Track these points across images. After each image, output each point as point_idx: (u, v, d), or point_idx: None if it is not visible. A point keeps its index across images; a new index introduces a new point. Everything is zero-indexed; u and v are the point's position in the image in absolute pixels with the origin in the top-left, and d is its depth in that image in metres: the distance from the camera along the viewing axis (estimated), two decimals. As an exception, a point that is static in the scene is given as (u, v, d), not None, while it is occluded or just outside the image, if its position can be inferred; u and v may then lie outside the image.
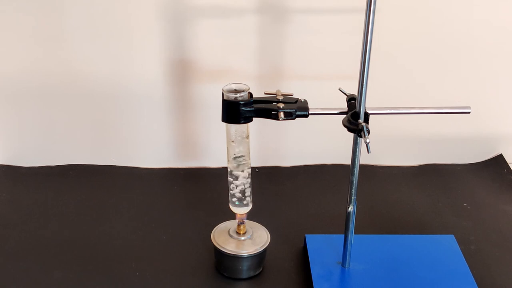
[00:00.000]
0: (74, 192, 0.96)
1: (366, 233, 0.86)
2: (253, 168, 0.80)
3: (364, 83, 0.65)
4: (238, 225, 0.79)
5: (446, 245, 0.82)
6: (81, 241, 0.85)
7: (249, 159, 0.75)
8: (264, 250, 0.78)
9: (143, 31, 0.93)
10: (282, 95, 0.70)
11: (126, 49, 0.94)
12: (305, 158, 1.05)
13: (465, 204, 0.95)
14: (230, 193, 0.76)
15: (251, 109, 0.69)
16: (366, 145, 0.63)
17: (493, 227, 0.89)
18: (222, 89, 0.69)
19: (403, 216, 0.92)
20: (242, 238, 0.78)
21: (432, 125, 1.03)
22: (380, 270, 0.77)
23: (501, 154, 1.07)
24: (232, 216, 0.79)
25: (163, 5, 0.91)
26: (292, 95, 0.70)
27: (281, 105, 0.68)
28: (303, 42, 0.94)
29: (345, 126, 0.67)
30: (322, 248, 0.81)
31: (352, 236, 0.75)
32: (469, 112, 0.70)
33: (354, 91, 0.69)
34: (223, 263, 0.78)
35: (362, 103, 0.66)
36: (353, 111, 0.67)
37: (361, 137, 0.65)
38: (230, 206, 0.78)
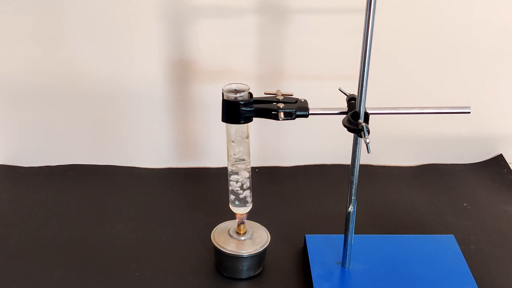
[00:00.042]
0: (74, 192, 0.96)
1: (366, 233, 0.86)
2: (253, 168, 0.80)
3: (364, 83, 0.65)
4: (238, 225, 0.79)
5: (446, 245, 0.82)
6: (81, 241, 0.85)
7: (249, 159, 0.75)
8: (264, 250, 0.78)
9: (143, 31, 0.93)
10: (282, 95, 0.70)
11: (126, 49, 0.94)
12: (305, 158, 1.05)
13: (465, 204, 0.95)
14: (230, 193, 0.76)
15: (251, 109, 0.69)
16: (366, 145, 0.63)
17: (493, 227, 0.89)
18: (222, 89, 0.69)
19: (403, 216, 0.92)
20: (242, 238, 0.78)
21: (432, 125, 1.03)
22: (380, 270, 0.77)
23: (501, 154, 1.07)
24: (232, 216, 0.79)
25: (163, 5, 0.91)
26: (292, 95, 0.70)
27: (281, 105, 0.68)
28: (303, 42, 0.94)
29: (345, 126, 0.67)
30: (322, 248, 0.81)
31: (352, 236, 0.75)
32: (469, 112, 0.70)
33: (354, 91, 0.69)
34: (223, 263, 0.78)
35: (362, 103, 0.66)
36: (353, 111, 0.67)
37: (361, 137, 0.65)
38: (230, 206, 0.78)
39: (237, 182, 0.75)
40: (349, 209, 0.74)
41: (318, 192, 0.98)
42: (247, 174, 0.75)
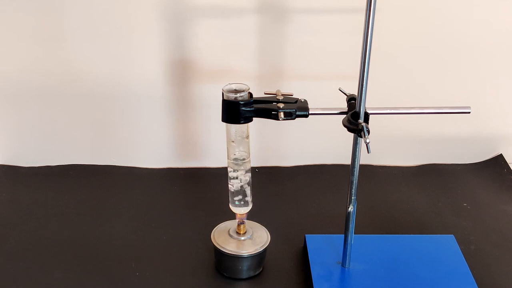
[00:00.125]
0: (74, 192, 0.96)
1: (366, 233, 0.86)
2: (253, 168, 0.80)
3: (364, 83, 0.65)
4: (238, 225, 0.79)
5: (446, 245, 0.82)
6: (81, 241, 0.85)
7: (249, 159, 0.75)
8: (264, 250, 0.78)
9: (143, 31, 0.93)
10: (282, 95, 0.70)
11: (126, 49, 0.94)
12: (305, 158, 1.05)
13: (465, 204, 0.95)
14: (230, 193, 0.76)
15: (251, 109, 0.68)
16: (366, 145, 0.63)
17: (493, 227, 0.89)
18: (222, 89, 0.69)
19: (403, 216, 0.92)
20: (242, 238, 0.78)
21: (432, 125, 1.03)
22: (380, 270, 0.77)
23: (501, 154, 1.07)
24: (232, 216, 0.79)
25: (163, 5, 0.91)
26: (292, 95, 0.70)
27: (281, 105, 0.68)
28: (303, 42, 0.94)
29: (345, 126, 0.67)
30: (322, 248, 0.81)
31: (352, 236, 0.75)
32: (469, 112, 0.70)
33: (354, 91, 0.69)
34: (223, 263, 0.78)
35: (362, 103, 0.66)
36: (353, 111, 0.67)
37: (361, 137, 0.65)
38: (230, 206, 0.78)
39: (237, 182, 0.75)
40: (349, 209, 0.74)
41: (318, 192, 0.98)
42: (247, 174, 0.75)
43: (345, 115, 0.68)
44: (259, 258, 0.78)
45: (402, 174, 1.04)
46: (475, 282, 0.75)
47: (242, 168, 0.74)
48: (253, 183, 0.77)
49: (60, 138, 1.01)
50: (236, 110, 0.68)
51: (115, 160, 1.03)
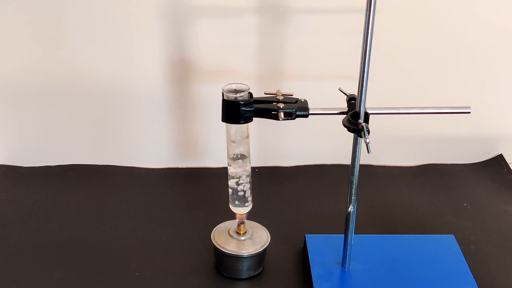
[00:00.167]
0: (74, 192, 0.96)
1: (366, 233, 0.86)
2: (253, 168, 0.80)
3: (364, 83, 0.65)
4: (238, 225, 0.79)
5: (446, 245, 0.82)
6: (81, 241, 0.85)
7: (249, 159, 0.75)
8: (264, 250, 0.78)
9: (143, 31, 0.93)
10: (282, 95, 0.70)
11: (126, 49, 0.94)
12: (305, 158, 1.05)
13: (465, 204, 0.95)
14: (230, 193, 0.76)
15: (251, 109, 0.69)
16: (366, 145, 0.63)
17: (493, 227, 0.89)
18: (222, 89, 0.69)
19: (403, 216, 0.92)
20: (242, 238, 0.78)
21: (432, 125, 1.03)
22: (380, 270, 0.77)
23: (501, 154, 1.07)
24: (232, 216, 0.79)
25: (163, 5, 0.91)
26: (292, 95, 0.70)
27: (281, 105, 0.68)
28: (303, 42, 0.94)
29: (345, 126, 0.67)
30: (322, 248, 0.81)
31: (352, 236, 0.75)
32: (469, 112, 0.70)
33: (354, 91, 0.69)
34: (223, 263, 0.78)
35: (362, 103, 0.66)
36: (353, 111, 0.67)
37: (361, 137, 0.65)
38: (230, 206, 0.78)
39: (237, 182, 0.75)
40: (349, 209, 0.74)
41: (318, 192, 0.98)
42: (247, 174, 0.75)
43: (345, 115, 0.68)
44: (259, 258, 0.78)
45: (402, 174, 1.04)
46: (475, 282, 0.75)
47: (242, 168, 0.74)
48: (253, 183, 0.77)
49: (60, 138, 1.01)
50: (236, 110, 0.68)
51: (115, 160, 1.03)
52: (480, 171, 1.04)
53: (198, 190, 0.97)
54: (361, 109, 0.66)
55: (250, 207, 0.78)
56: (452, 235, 0.84)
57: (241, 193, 0.76)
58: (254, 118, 0.69)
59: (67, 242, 0.84)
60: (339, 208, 0.91)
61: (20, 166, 1.02)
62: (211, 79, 0.97)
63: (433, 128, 1.03)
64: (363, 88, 0.65)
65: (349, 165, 0.72)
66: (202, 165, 1.04)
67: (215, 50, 0.94)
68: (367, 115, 0.67)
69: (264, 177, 1.01)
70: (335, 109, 0.70)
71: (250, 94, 0.69)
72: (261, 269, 0.80)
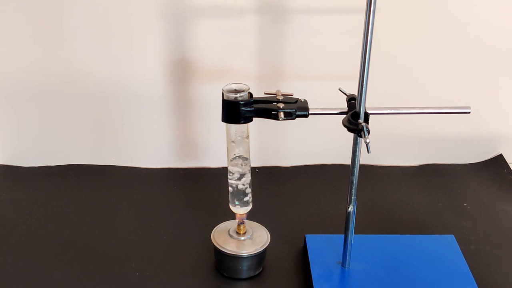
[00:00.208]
0: (74, 192, 0.96)
1: (366, 233, 0.86)
2: (253, 168, 0.80)
3: (364, 83, 0.65)
4: (238, 225, 0.79)
5: (446, 245, 0.82)
6: (81, 241, 0.85)
7: (249, 159, 0.75)
8: (264, 250, 0.78)
9: (143, 31, 0.93)
10: (282, 95, 0.70)
11: (126, 49, 0.94)
12: (305, 158, 1.05)
13: (465, 204, 0.95)
14: (230, 193, 0.76)
15: (251, 109, 0.68)
16: (366, 145, 0.63)
17: (493, 227, 0.89)
18: (222, 89, 0.69)
19: (403, 216, 0.92)
20: (242, 238, 0.78)
21: (432, 125, 1.03)
22: (380, 270, 0.77)
23: (501, 154, 1.07)
24: (232, 216, 0.79)
25: (163, 5, 0.91)
26: (292, 95, 0.70)
27: (281, 105, 0.68)
28: (303, 42, 0.94)
29: (345, 126, 0.67)
30: (322, 248, 0.81)
31: (352, 236, 0.75)
32: (469, 112, 0.70)
33: (354, 91, 0.69)
34: (223, 263, 0.78)
35: (362, 103, 0.66)
36: (353, 111, 0.67)
37: (361, 137, 0.65)
38: (230, 206, 0.78)
39: (237, 182, 0.75)
40: (349, 209, 0.74)
41: (318, 192, 0.98)
42: (247, 174, 0.75)
43: (345, 115, 0.68)
44: (259, 258, 0.78)
45: (402, 174, 1.03)
46: (475, 282, 0.75)
47: (242, 168, 0.74)
48: (253, 183, 0.77)
49: (60, 138, 1.01)
50: (236, 110, 0.68)
51: (115, 160, 1.03)
52: (480, 171, 1.04)
53: (198, 190, 0.97)
54: (361, 109, 0.66)
55: (250, 207, 0.78)
56: (452, 235, 0.84)
57: (241, 193, 0.76)
58: (254, 118, 0.69)
59: (67, 242, 0.84)
60: (339, 208, 0.91)
61: (20, 166, 1.02)
62: (211, 79, 0.97)
63: (433, 128, 1.03)
64: (363, 88, 0.65)
65: (349, 165, 0.72)
66: (202, 165, 1.04)
67: (215, 50, 0.94)
68: (367, 115, 0.67)
69: (264, 177, 1.01)
70: (335, 109, 0.70)
71: (250, 94, 0.69)
72: (261, 269, 0.80)
